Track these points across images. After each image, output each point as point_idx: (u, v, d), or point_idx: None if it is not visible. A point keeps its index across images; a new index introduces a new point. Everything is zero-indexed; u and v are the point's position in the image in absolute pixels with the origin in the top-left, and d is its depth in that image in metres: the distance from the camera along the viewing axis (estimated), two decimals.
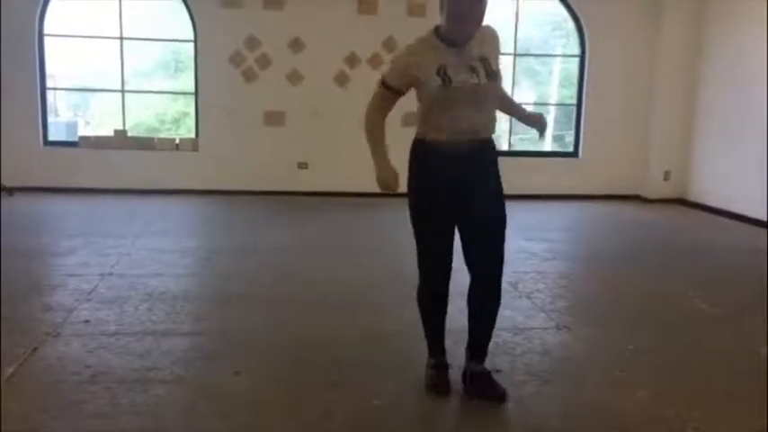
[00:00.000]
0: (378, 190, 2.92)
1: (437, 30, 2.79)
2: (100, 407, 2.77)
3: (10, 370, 3.06)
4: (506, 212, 2.92)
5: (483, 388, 2.96)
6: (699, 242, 6.80)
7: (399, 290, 4.51)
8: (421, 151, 2.87)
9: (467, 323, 3.06)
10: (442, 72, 2.71)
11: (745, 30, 7.75)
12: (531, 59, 9.89)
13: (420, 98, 2.84)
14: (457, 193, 2.82)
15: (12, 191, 7.82)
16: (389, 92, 2.86)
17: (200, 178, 8.48)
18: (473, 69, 2.73)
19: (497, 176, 2.92)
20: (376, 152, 2.91)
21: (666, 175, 9.05)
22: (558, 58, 10.03)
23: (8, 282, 4.47)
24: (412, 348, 3.57)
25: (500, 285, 2.99)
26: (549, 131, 10.47)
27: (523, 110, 3.22)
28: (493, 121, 2.88)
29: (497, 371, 3.14)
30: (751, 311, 4.30)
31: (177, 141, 8.72)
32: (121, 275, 4.72)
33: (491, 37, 2.83)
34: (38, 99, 8.34)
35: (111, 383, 2.98)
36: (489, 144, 2.90)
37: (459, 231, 2.93)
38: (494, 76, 2.76)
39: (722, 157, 8.21)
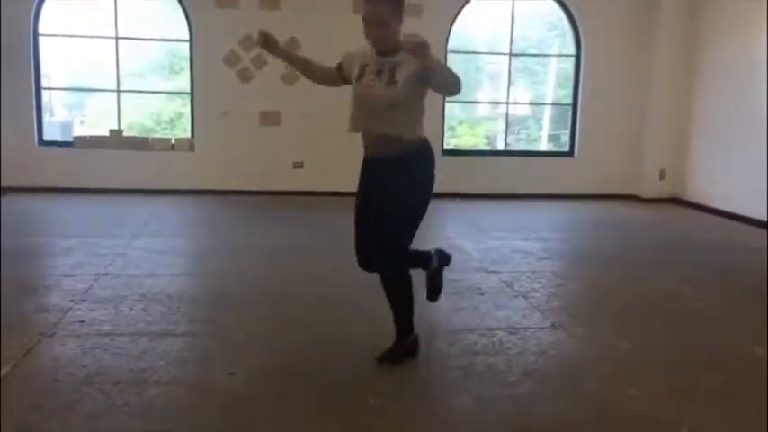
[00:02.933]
0: None
1: None
2: (95, 408, 2.76)
3: (5, 370, 3.05)
4: (399, 208, 3.08)
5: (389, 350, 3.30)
6: (694, 241, 6.82)
7: None
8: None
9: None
10: (361, 69, 3.09)
11: (741, 28, 7.77)
12: (527, 59, 9.90)
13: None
14: (363, 186, 3.18)
15: (6, 191, 7.79)
16: (337, 70, 3.28)
17: (195, 178, 8.46)
18: (379, 73, 3.02)
19: (399, 179, 3.05)
20: (291, 55, 3.47)
21: (662, 175, 9.08)
22: (554, 58, 10.05)
23: (3, 282, 4.45)
24: (420, 346, 3.57)
25: (387, 264, 3.22)
26: (545, 132, 10.51)
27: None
28: (397, 127, 3.02)
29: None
30: (746, 311, 4.31)
31: (173, 141, 8.71)
32: (116, 276, 4.71)
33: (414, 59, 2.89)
34: (33, 99, 8.32)
35: (107, 384, 2.97)
36: (399, 151, 3.04)
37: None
38: (393, 83, 2.97)
39: (718, 156, 8.23)
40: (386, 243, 3.12)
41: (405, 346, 3.33)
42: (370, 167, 3.15)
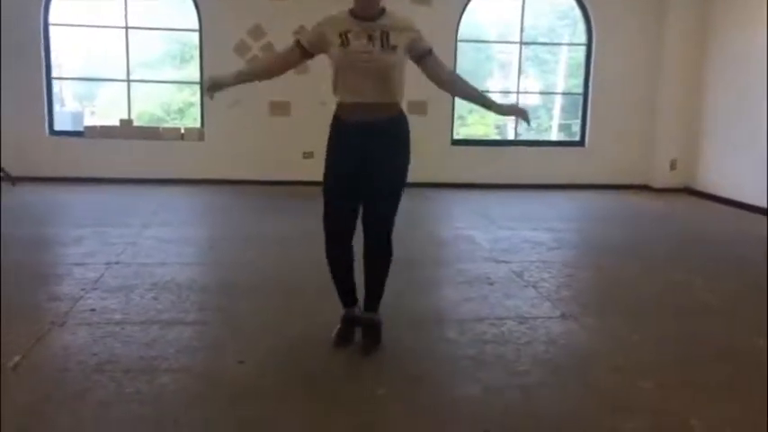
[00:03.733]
0: None
1: (351, 9, 3.10)
2: (106, 396, 2.78)
3: (16, 359, 3.08)
4: (401, 184, 3.18)
5: (364, 334, 3.34)
6: (705, 232, 6.78)
7: (406, 278, 4.51)
8: (335, 123, 3.19)
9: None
10: (343, 36, 3.04)
11: (752, 16, 7.68)
12: (538, 48, 9.83)
13: (331, 65, 3.12)
14: (356, 161, 3.10)
15: (14, 180, 7.83)
16: (299, 48, 3.19)
17: (205, 168, 8.48)
18: (371, 38, 3.02)
19: (397, 149, 3.16)
20: (237, 73, 3.42)
21: (673, 165, 9.02)
22: (565, 47, 9.98)
23: (14, 271, 4.49)
24: (418, 338, 3.58)
25: (388, 242, 3.23)
26: (556, 121, 10.45)
27: (490, 99, 3.35)
28: (391, 89, 3.09)
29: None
30: (757, 303, 4.28)
31: (183, 131, 8.72)
32: (127, 265, 4.73)
33: (402, 21, 3.12)
34: (44, 89, 8.35)
35: (117, 372, 2.99)
36: (393, 117, 3.14)
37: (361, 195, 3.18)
38: (390, 48, 3.02)
39: (730, 145, 8.16)
40: (392, 212, 3.17)
41: (376, 321, 3.36)
42: (360, 132, 3.10)
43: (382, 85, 3.06)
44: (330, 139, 3.20)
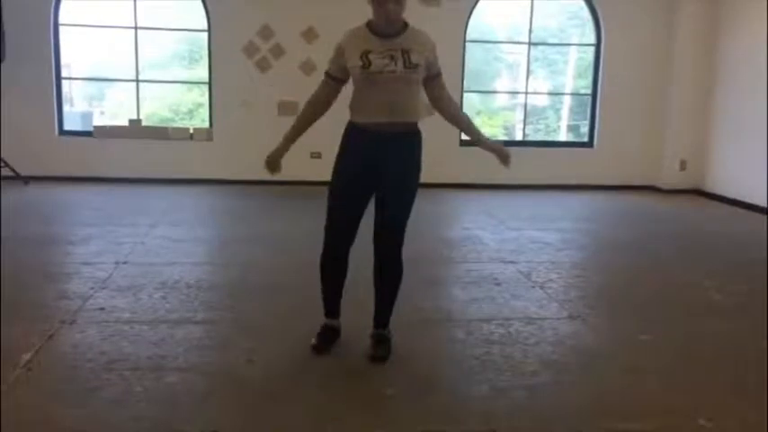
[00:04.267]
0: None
1: (369, 23, 3.05)
2: (115, 394, 2.80)
3: (26, 357, 3.10)
4: (413, 197, 3.17)
5: (373, 346, 3.27)
6: (714, 233, 6.75)
7: (414, 278, 4.51)
8: (349, 132, 3.13)
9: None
10: (364, 57, 2.97)
11: (763, 15, 7.64)
12: (547, 49, 9.81)
13: (353, 83, 3.09)
14: (370, 171, 3.06)
15: (27, 180, 7.87)
16: (332, 80, 3.14)
17: (213, 168, 8.50)
18: (392, 57, 2.96)
19: (412, 161, 3.15)
20: (288, 136, 3.38)
21: (682, 165, 8.98)
22: (574, 48, 9.95)
23: (24, 269, 4.52)
24: (427, 338, 3.58)
25: (399, 257, 3.22)
26: (564, 122, 10.43)
27: (478, 133, 3.44)
28: (412, 109, 3.07)
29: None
30: (766, 303, 4.26)
31: (191, 131, 8.75)
32: (136, 264, 4.75)
33: (423, 40, 3.07)
34: (53, 88, 8.39)
35: (126, 371, 3.00)
36: (410, 131, 3.12)
37: (375, 205, 3.17)
38: (412, 67, 2.98)
39: (739, 146, 8.12)
40: (404, 226, 3.16)
41: (387, 337, 3.33)
42: (375, 143, 3.05)
43: (404, 104, 3.04)
44: (343, 145, 3.16)
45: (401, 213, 3.14)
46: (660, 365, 3.26)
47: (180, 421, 2.60)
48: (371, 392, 2.90)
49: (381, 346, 3.27)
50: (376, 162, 3.05)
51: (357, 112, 3.10)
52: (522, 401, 2.86)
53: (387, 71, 2.95)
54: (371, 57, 2.96)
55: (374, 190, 3.12)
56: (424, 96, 3.21)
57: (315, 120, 3.29)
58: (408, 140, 3.12)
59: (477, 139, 3.40)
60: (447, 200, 7.95)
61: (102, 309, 3.80)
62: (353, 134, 3.11)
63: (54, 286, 4.24)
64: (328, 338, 3.30)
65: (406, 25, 3.05)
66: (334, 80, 3.13)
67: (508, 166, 3.47)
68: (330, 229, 3.18)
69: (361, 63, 2.96)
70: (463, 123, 3.43)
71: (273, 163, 3.37)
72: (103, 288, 4.17)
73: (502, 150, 3.43)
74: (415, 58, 2.98)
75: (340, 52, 3.06)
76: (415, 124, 3.13)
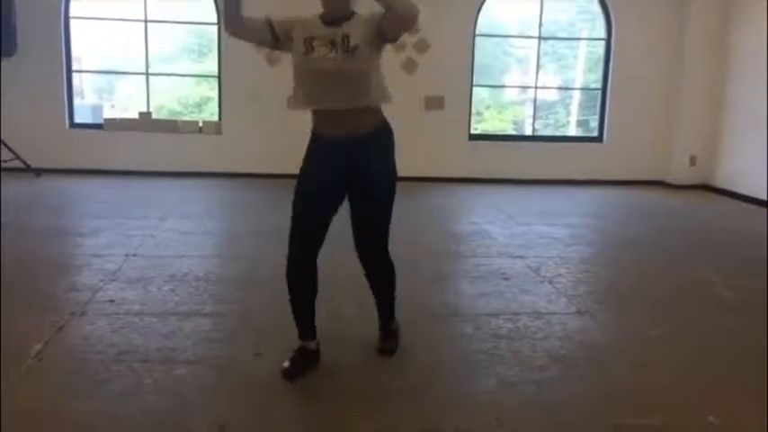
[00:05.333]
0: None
1: (322, 14, 2.89)
2: (124, 386, 2.82)
3: (37, 347, 3.12)
4: (392, 195, 3.01)
5: (381, 340, 3.25)
6: (724, 229, 6.71)
7: (422, 272, 4.52)
8: (312, 132, 2.98)
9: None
10: (308, 42, 2.81)
11: None
12: (557, 43, 9.77)
13: (293, 69, 2.90)
14: (335, 173, 2.89)
15: (39, 172, 7.92)
16: (266, 23, 2.97)
17: (223, 161, 8.53)
18: (333, 43, 2.77)
19: (382, 160, 2.95)
20: None
21: (692, 161, 8.94)
22: (584, 42, 9.91)
23: (35, 261, 4.55)
24: (434, 331, 3.58)
25: (386, 255, 3.13)
26: (574, 117, 10.39)
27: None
28: (365, 97, 2.82)
29: None
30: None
31: (201, 124, 8.77)
32: (146, 257, 4.77)
33: (364, 17, 2.81)
34: (64, 81, 8.43)
35: (135, 363, 3.02)
36: (371, 124, 2.89)
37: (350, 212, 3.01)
38: (350, 51, 2.75)
39: (750, 141, 8.06)
40: (387, 225, 3.04)
41: (394, 330, 3.31)
42: (339, 147, 2.86)
43: (352, 92, 2.80)
44: (307, 152, 2.97)
45: (381, 220, 3.01)
46: (669, 361, 3.25)
47: (188, 415, 2.61)
48: (379, 386, 2.91)
49: (389, 340, 3.26)
50: (343, 169, 2.88)
51: (302, 102, 2.90)
52: (531, 396, 2.86)
53: (326, 59, 2.76)
54: (314, 43, 2.80)
55: (343, 194, 2.96)
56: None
57: (239, 20, 3.04)
58: (374, 139, 2.91)
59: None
60: (455, 194, 7.94)
61: (111, 301, 3.82)
62: (318, 139, 2.94)
63: (64, 278, 4.27)
64: (303, 362, 2.99)
65: (352, 14, 2.83)
66: (267, 25, 2.95)
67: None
68: (294, 235, 2.93)
69: (303, 49, 2.81)
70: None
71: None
72: (113, 280, 4.19)
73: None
74: (354, 40, 2.74)
75: (288, 23, 2.91)
76: (373, 113, 2.89)
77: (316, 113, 2.91)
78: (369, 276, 3.16)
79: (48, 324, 3.41)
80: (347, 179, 2.90)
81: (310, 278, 2.97)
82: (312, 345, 3.05)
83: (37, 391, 2.76)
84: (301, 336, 3.04)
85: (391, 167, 2.99)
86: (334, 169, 2.88)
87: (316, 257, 2.96)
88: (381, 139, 2.95)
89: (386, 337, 3.27)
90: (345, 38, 2.76)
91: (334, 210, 2.97)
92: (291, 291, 2.96)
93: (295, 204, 2.95)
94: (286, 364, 2.97)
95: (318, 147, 2.93)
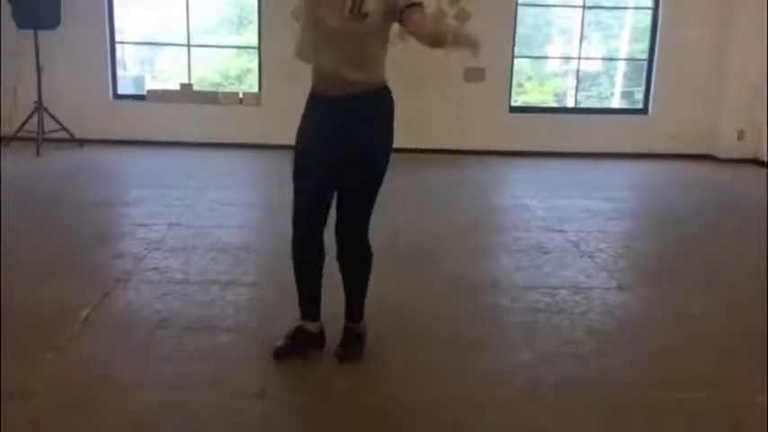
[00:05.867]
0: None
1: None
2: (167, 351, 2.89)
3: (84, 313, 3.21)
4: (379, 175, 2.72)
5: (343, 345, 2.90)
6: None
7: (460, 245, 4.51)
8: (311, 89, 2.76)
9: None
10: None
11: None
12: (602, 12, 9.53)
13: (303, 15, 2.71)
14: (324, 141, 2.67)
15: (82, 142, 8.07)
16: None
17: (262, 133, 8.56)
18: (345, 2, 2.51)
19: (373, 129, 2.69)
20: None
21: (740, 134, 8.68)
22: (630, 11, 9.64)
23: (81, 229, 4.67)
24: (472, 303, 3.58)
25: (365, 242, 2.84)
26: (618, 88, 10.16)
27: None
28: (354, 68, 2.59)
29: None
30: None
31: (241, 96, 8.82)
32: (187, 226, 4.85)
33: None
34: (107, 53, 8.53)
35: (178, 329, 3.09)
36: (369, 89, 2.65)
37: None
38: (361, 16, 2.51)
39: None
40: (368, 208, 2.76)
41: (359, 331, 2.96)
42: (329, 108, 2.66)
43: (349, 58, 2.59)
44: (304, 112, 2.81)
45: (362, 199, 2.74)
46: (711, 338, 3.20)
47: (229, 379, 2.67)
48: (414, 356, 2.93)
49: (354, 345, 2.90)
50: (332, 131, 2.65)
51: (299, 46, 2.69)
52: (568, 370, 2.85)
53: (331, 8, 2.53)
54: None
55: (337, 164, 2.68)
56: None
57: None
58: (368, 105, 2.66)
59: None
60: (495, 167, 7.86)
61: (155, 269, 3.90)
62: (313, 97, 2.74)
63: (109, 246, 4.37)
64: (299, 342, 2.86)
65: None
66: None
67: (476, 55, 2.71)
68: (298, 204, 2.81)
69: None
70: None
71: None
72: (156, 249, 4.27)
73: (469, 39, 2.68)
74: (366, 7, 2.51)
75: None
76: (374, 81, 2.68)
77: (314, 70, 2.69)
78: (344, 265, 2.87)
79: (94, 290, 3.50)
80: (332, 146, 2.66)
81: (319, 253, 2.85)
82: (312, 327, 2.90)
83: (85, 355, 2.85)
84: (304, 314, 2.90)
85: (387, 140, 2.75)
86: (322, 132, 2.68)
87: (322, 230, 2.81)
88: (379, 105, 2.71)
89: (351, 341, 2.91)
90: (360, 1, 2.52)
91: (334, 177, 2.72)
92: (299, 268, 2.88)
93: (295, 172, 2.82)
94: (280, 342, 2.87)
95: (311, 105, 2.74)
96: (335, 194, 2.76)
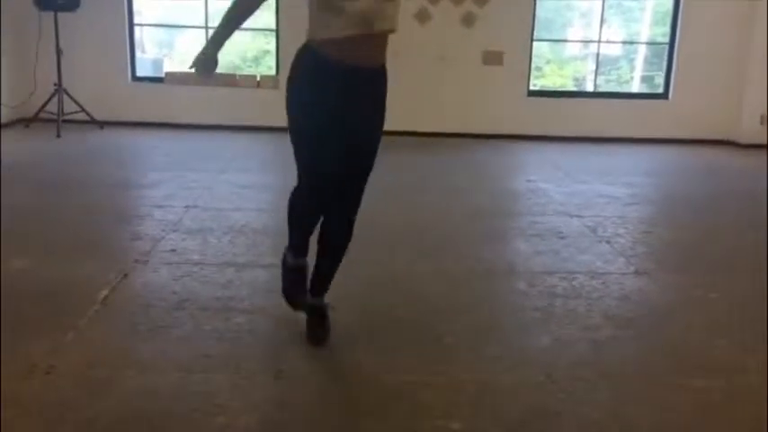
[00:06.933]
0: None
1: None
2: (185, 332, 2.92)
3: (103, 293, 3.25)
4: (375, 155, 2.71)
5: (314, 324, 2.87)
6: None
7: (477, 229, 4.50)
8: (305, 56, 2.56)
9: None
10: None
11: None
12: None
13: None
14: (337, 110, 2.55)
15: (102, 124, 8.12)
16: None
17: (280, 116, 8.50)
18: None
19: (382, 107, 2.67)
20: (222, 31, 2.80)
21: (763, 120, 8.55)
22: None
23: (100, 210, 4.71)
24: (488, 287, 3.58)
25: (352, 223, 2.82)
26: (638, 72, 10.04)
27: None
28: (390, 18, 2.49)
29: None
30: None
31: (258, 79, 8.82)
32: (205, 208, 4.87)
33: None
34: (126, 35, 8.56)
35: (196, 310, 3.12)
36: (383, 62, 2.60)
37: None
38: None
39: None
40: (363, 188, 2.75)
41: (326, 310, 2.93)
42: (352, 80, 2.52)
43: (390, 20, 2.48)
44: (302, 76, 2.60)
45: (363, 177, 2.72)
46: (729, 324, 3.18)
47: (246, 359, 2.70)
48: (431, 340, 2.93)
49: (323, 323, 2.87)
50: (344, 102, 2.55)
51: (321, 28, 2.50)
52: (585, 355, 2.84)
53: None
54: None
55: (338, 132, 2.60)
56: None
57: (245, 13, 2.79)
58: (381, 79, 2.64)
59: None
60: (512, 151, 7.82)
61: (173, 250, 3.93)
62: (313, 58, 2.53)
63: (128, 227, 4.41)
64: (300, 281, 2.89)
65: None
66: None
67: None
68: (315, 162, 2.68)
69: None
70: None
71: (207, 62, 2.82)
72: (174, 230, 4.30)
73: None
74: None
75: None
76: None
77: (336, 35, 2.47)
78: (326, 241, 2.86)
79: (113, 271, 3.53)
80: (339, 119, 2.57)
81: (324, 206, 2.77)
82: (304, 261, 2.90)
83: (104, 335, 2.88)
84: (297, 253, 2.88)
85: (381, 123, 2.71)
86: (333, 103, 2.55)
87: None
88: (383, 82, 2.66)
89: (320, 317, 2.89)
90: None
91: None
92: (300, 217, 2.84)
93: (305, 133, 2.70)
94: (286, 283, 2.90)
95: (318, 72, 2.54)
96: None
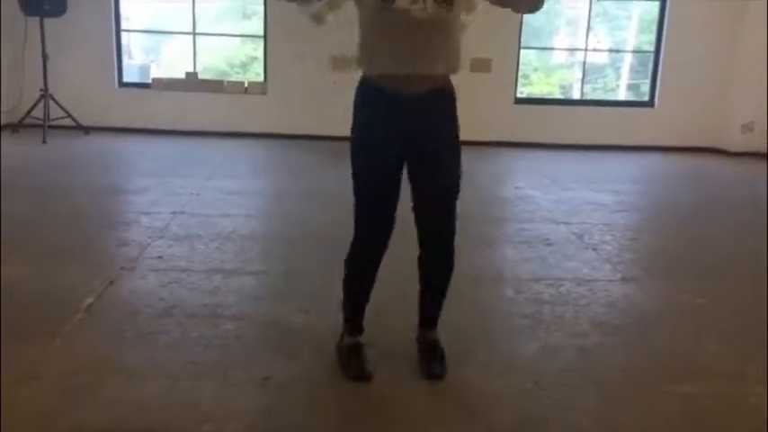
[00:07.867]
0: None
1: None
2: (172, 339, 2.90)
3: (89, 300, 3.22)
4: (460, 171, 2.58)
5: (428, 359, 2.74)
6: None
7: (464, 236, 4.50)
8: (363, 88, 2.54)
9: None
10: None
11: None
12: (608, 3, 9.48)
13: (359, 18, 2.47)
14: (399, 142, 2.48)
15: (87, 130, 8.07)
16: None
17: (268, 122, 8.56)
18: None
19: (453, 129, 2.54)
20: None
21: (749, 127, 8.62)
22: (637, 2, 9.58)
23: (86, 217, 4.68)
24: (475, 295, 3.58)
25: (451, 256, 2.68)
26: (624, 81, 10.12)
27: None
28: (447, 57, 2.44)
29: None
30: None
31: (246, 85, 8.81)
32: (192, 215, 4.85)
33: None
34: (113, 41, 8.52)
35: (183, 317, 3.10)
36: (444, 86, 2.49)
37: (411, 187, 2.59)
38: (446, 3, 2.29)
39: None
40: (455, 211, 2.61)
41: (440, 342, 2.81)
42: (403, 107, 2.42)
43: (439, 47, 2.40)
44: (360, 110, 2.58)
45: (451, 201, 2.59)
46: (717, 331, 3.19)
47: (233, 367, 2.68)
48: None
49: (437, 360, 2.72)
50: (404, 132, 2.46)
51: (371, 59, 2.47)
52: (572, 361, 2.85)
53: (414, 8, 2.25)
54: None
55: (411, 168, 2.55)
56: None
57: None
58: (442, 99, 2.50)
59: None
60: (499, 158, 7.85)
61: (160, 257, 3.91)
62: (369, 90, 2.52)
63: (114, 234, 4.38)
64: (363, 367, 2.67)
65: None
66: None
67: None
68: (366, 209, 2.64)
69: None
70: None
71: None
72: (161, 237, 4.28)
73: None
74: None
75: None
76: (447, 78, 2.50)
77: (374, 72, 2.49)
78: (427, 272, 2.75)
79: (100, 278, 3.50)
80: (405, 147, 2.50)
81: (378, 262, 2.70)
82: (360, 340, 2.77)
83: (90, 342, 2.85)
84: (352, 330, 2.76)
85: (457, 141, 2.58)
86: (393, 133, 2.47)
87: (389, 235, 2.63)
88: (449, 100, 2.54)
89: (432, 353, 2.75)
90: None
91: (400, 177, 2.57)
92: (353, 278, 2.75)
93: (359, 175, 2.64)
94: (350, 370, 2.66)
95: (374, 103, 2.51)
96: (415, 203, 2.64)
